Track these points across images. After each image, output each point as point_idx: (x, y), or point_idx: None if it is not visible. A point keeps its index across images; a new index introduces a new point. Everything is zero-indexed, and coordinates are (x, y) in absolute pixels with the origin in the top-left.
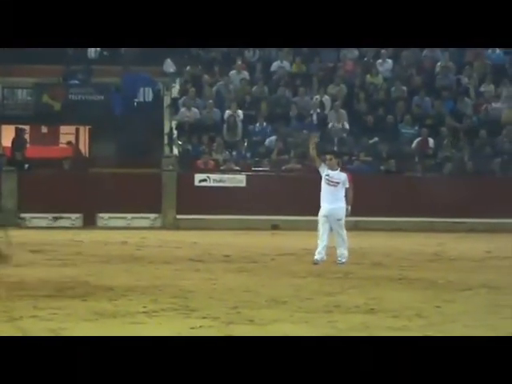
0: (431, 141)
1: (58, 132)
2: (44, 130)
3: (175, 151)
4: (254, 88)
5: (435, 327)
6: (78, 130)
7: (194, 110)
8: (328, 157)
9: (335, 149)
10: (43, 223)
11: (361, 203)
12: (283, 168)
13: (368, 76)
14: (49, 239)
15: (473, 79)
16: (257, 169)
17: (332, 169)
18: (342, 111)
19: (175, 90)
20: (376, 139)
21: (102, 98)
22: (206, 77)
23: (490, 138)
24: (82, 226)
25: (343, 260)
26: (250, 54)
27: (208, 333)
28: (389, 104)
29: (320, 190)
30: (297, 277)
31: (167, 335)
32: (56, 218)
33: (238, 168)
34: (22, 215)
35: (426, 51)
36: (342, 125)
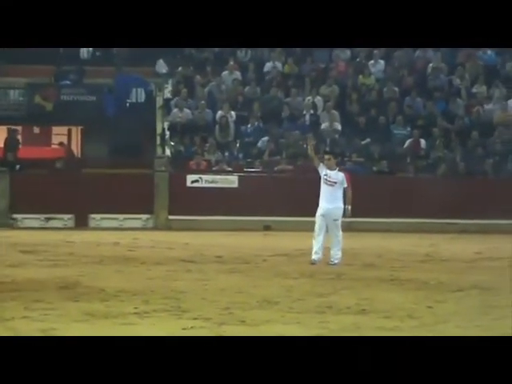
0: (423, 142)
1: (50, 132)
2: (36, 130)
3: (167, 152)
4: (247, 89)
5: (427, 328)
6: (70, 131)
7: (187, 110)
8: (326, 157)
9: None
10: (35, 224)
11: (353, 204)
12: (275, 169)
13: (360, 77)
14: (41, 240)
15: (465, 80)
16: (249, 169)
17: (330, 168)
18: (334, 112)
19: (167, 90)
20: (368, 140)
21: (94, 98)
22: (198, 77)
23: (482, 139)
24: (74, 226)
25: (336, 261)
26: (243, 54)
27: (200, 334)
28: (381, 105)
29: (313, 191)
30: (289, 278)
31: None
32: (48, 219)
33: (230, 169)
34: (14, 216)
35: (418, 52)
36: (334, 126)
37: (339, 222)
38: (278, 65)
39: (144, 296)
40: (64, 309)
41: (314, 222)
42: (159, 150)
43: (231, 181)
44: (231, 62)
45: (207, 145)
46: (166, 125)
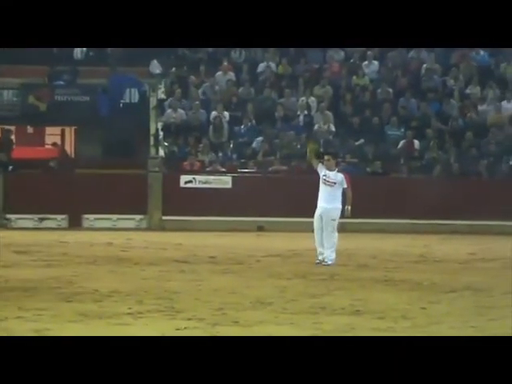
0: (417, 142)
1: (44, 133)
2: (30, 130)
3: (161, 152)
4: (241, 89)
5: (420, 329)
6: (63, 131)
7: (180, 111)
8: (326, 157)
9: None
10: (29, 224)
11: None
12: (269, 169)
13: (354, 77)
14: (34, 240)
15: (459, 81)
16: (243, 170)
17: (330, 169)
18: (328, 113)
19: (161, 91)
20: (362, 141)
21: (88, 98)
22: (192, 78)
23: (476, 140)
24: (67, 227)
25: (329, 262)
26: (237, 54)
27: (193, 334)
28: (375, 106)
29: (307, 191)
30: (282, 278)
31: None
32: (42, 219)
33: (223, 169)
34: (8, 216)
35: (412, 53)
36: (328, 126)
37: (336, 223)
38: (272, 65)
39: (137, 296)
40: (57, 309)
41: (307, 223)
42: (153, 151)
43: (225, 181)
44: (225, 63)
45: (201, 145)
46: (159, 125)
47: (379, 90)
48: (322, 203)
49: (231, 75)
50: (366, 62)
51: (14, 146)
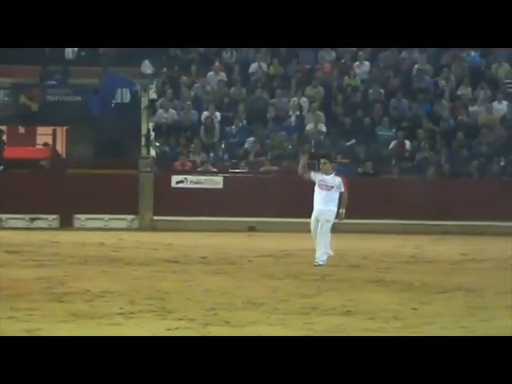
0: (408, 143)
1: (35, 133)
2: (21, 130)
3: (152, 152)
4: (232, 89)
5: (412, 329)
6: (55, 131)
7: (172, 111)
8: (322, 161)
9: (312, 150)
10: (20, 224)
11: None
12: (260, 170)
13: (345, 78)
14: (26, 240)
15: (450, 82)
16: (234, 170)
17: (326, 173)
18: (320, 113)
19: (153, 91)
20: (353, 141)
21: (80, 98)
22: (183, 78)
23: (467, 141)
24: (59, 227)
25: (321, 262)
26: (228, 55)
27: (184, 334)
28: (366, 106)
29: (298, 191)
30: (274, 278)
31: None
32: (33, 219)
33: (215, 170)
34: None
35: (404, 53)
36: (320, 127)
37: (330, 224)
38: (264, 66)
39: (129, 296)
40: (49, 309)
41: (299, 223)
42: (144, 151)
43: (216, 182)
44: (217, 63)
45: (192, 145)
46: (151, 125)
47: (370, 91)
48: (317, 206)
49: (223, 75)
50: (358, 63)
51: (6, 146)
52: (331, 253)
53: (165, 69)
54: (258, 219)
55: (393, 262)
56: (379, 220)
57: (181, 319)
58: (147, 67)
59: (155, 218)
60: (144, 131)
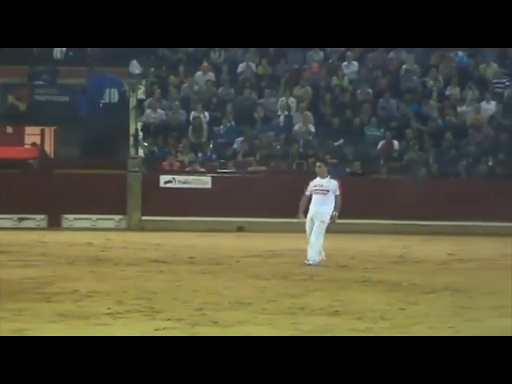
0: (396, 143)
1: (23, 133)
2: (9, 130)
3: (141, 152)
4: (220, 89)
5: (399, 329)
6: (43, 131)
7: (160, 111)
8: (318, 164)
9: (301, 150)
10: (8, 224)
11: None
12: (248, 170)
13: (334, 78)
14: (13, 240)
15: (438, 82)
16: (222, 170)
17: (321, 177)
18: (308, 113)
19: (141, 91)
20: (341, 141)
21: (68, 98)
22: (171, 78)
23: (456, 141)
24: (46, 227)
25: (311, 262)
26: (216, 55)
27: (172, 334)
28: (354, 106)
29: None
30: (261, 279)
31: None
32: (21, 219)
33: (203, 170)
34: None
35: (392, 53)
36: (308, 127)
37: (325, 226)
38: (252, 66)
39: (117, 297)
40: (37, 309)
41: (287, 224)
42: (132, 151)
43: (204, 181)
44: (205, 63)
45: (180, 145)
46: (139, 125)
47: (359, 91)
48: (313, 207)
49: (211, 75)
50: (346, 63)
51: None
52: (324, 257)
53: (153, 69)
54: (246, 219)
55: (381, 262)
56: (368, 220)
57: (169, 319)
58: (135, 67)
59: (143, 218)
60: (132, 131)
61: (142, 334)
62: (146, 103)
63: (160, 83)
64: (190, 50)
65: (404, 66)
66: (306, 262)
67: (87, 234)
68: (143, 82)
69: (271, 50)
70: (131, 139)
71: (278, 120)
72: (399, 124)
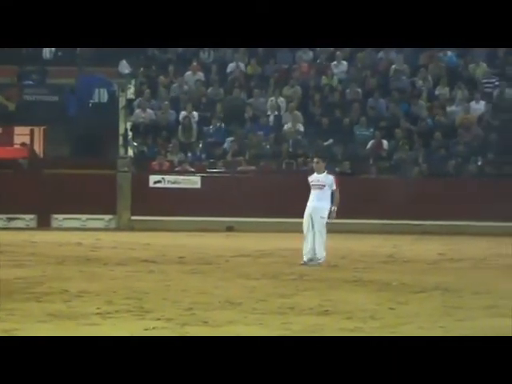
0: (385, 143)
1: (13, 132)
2: None
3: (130, 152)
4: (210, 89)
5: (389, 329)
6: (32, 131)
7: (149, 111)
8: (315, 160)
9: (290, 150)
10: None
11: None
12: (238, 169)
13: (323, 78)
14: (3, 240)
15: (427, 82)
16: (212, 170)
17: (318, 172)
18: (297, 113)
19: (130, 91)
20: (331, 141)
21: (57, 98)
22: (161, 78)
23: (445, 141)
24: (36, 226)
25: (321, 260)
26: (206, 55)
27: (162, 334)
28: (344, 106)
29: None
30: (251, 278)
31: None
32: (10, 219)
33: (192, 169)
34: None
35: (381, 53)
36: (297, 126)
37: (324, 222)
38: (241, 65)
39: (106, 296)
40: (26, 309)
41: (277, 223)
42: (122, 151)
43: (194, 181)
44: (194, 63)
45: (170, 145)
46: (128, 125)
47: (348, 91)
48: (310, 203)
49: (200, 75)
50: (335, 63)
51: None
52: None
53: (142, 69)
54: (235, 219)
55: (371, 261)
56: (357, 220)
57: (158, 319)
58: (125, 67)
59: (133, 217)
60: (122, 131)
61: (131, 333)
62: (135, 103)
63: (149, 83)
64: (180, 49)
65: (393, 66)
66: (303, 262)
67: (77, 233)
68: (133, 81)
69: (260, 49)
70: (121, 139)
71: (267, 120)
72: (388, 124)
